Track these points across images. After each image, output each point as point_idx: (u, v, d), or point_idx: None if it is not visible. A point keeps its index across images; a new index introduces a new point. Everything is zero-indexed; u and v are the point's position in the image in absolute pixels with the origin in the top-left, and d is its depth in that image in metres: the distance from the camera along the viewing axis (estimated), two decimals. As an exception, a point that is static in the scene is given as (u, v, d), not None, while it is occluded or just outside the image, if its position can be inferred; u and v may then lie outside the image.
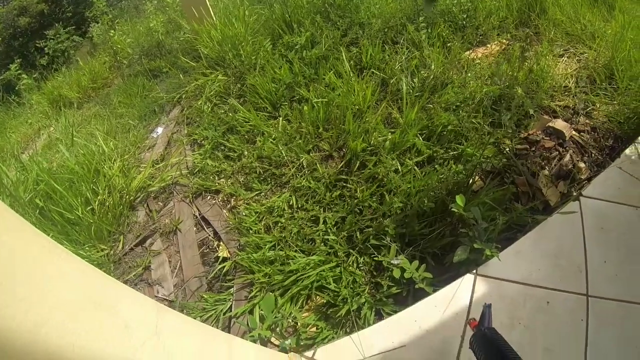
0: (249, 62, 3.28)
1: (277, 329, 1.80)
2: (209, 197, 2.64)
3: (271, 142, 2.53)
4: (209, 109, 3.18)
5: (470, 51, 3.03)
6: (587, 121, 2.42)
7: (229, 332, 1.96)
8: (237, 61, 3.31)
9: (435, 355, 1.60)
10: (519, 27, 3.41)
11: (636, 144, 2.23)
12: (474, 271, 1.77)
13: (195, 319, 1.46)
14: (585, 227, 1.82)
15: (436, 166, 2.11)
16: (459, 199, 1.71)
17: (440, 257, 1.90)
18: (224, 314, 2.02)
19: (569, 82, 2.68)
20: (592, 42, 3.15)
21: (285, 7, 3.63)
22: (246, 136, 2.78)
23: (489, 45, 3.10)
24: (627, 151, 2.17)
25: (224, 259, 2.23)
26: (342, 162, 2.32)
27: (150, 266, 2.40)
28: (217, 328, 1.91)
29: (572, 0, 3.78)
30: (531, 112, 2.25)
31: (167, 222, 2.61)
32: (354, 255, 1.96)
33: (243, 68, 3.26)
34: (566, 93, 2.61)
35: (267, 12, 3.91)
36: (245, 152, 2.62)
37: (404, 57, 2.86)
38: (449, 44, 3.02)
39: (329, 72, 2.88)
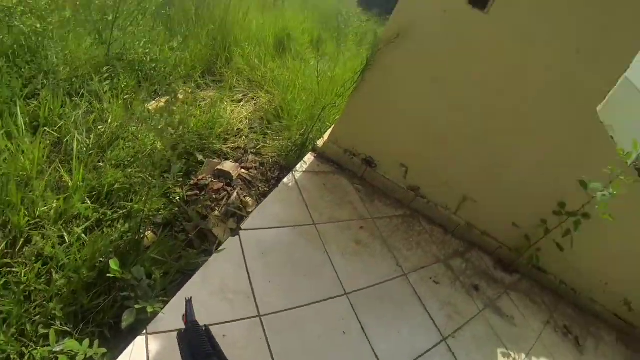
0: None
1: None
2: None
3: None
4: None
5: (154, 102, 3.15)
6: (256, 158, 2.82)
7: None
8: None
9: None
10: (205, 76, 3.76)
11: (293, 172, 2.71)
12: (144, 331, 1.76)
13: None
14: (246, 257, 2.09)
15: (104, 229, 2.06)
16: (113, 264, 1.74)
17: (117, 326, 1.84)
18: None
19: (243, 125, 3.07)
20: (270, 87, 3.71)
21: None
22: None
23: (174, 95, 3.28)
24: (285, 180, 2.62)
25: None
26: (5, 242, 2.03)
27: None
28: None
29: (257, 51, 4.42)
30: (200, 157, 2.46)
31: None
32: (27, 353, 1.74)
33: None
34: (239, 135, 2.99)
35: None
36: None
37: (80, 112, 2.76)
38: (133, 95, 3.07)
39: (0, 131, 2.54)
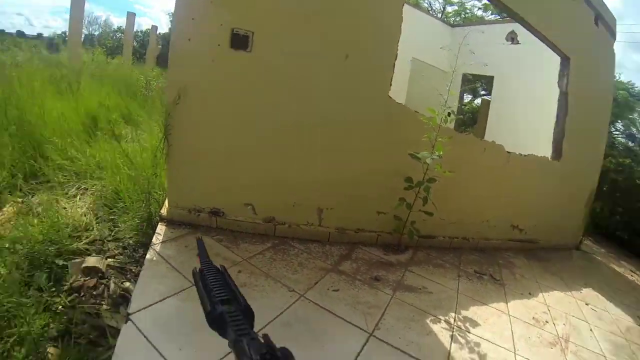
0: None
1: None
2: None
3: None
4: None
5: (-14, 222, 3.15)
6: (116, 244, 3.09)
7: None
8: None
9: None
10: (29, 180, 3.81)
11: (152, 247, 3.03)
12: None
13: None
14: (148, 337, 2.24)
15: (4, 360, 2.14)
16: None
17: None
18: None
19: (88, 218, 3.30)
20: (98, 173, 3.94)
21: None
22: None
23: (4, 210, 3.32)
24: (148, 256, 2.92)
25: None
26: None
27: None
28: None
29: (71, 141, 4.56)
30: (60, 262, 2.67)
31: None
32: None
33: None
34: (89, 229, 3.21)
35: None
36: None
37: None
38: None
39: None
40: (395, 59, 3.73)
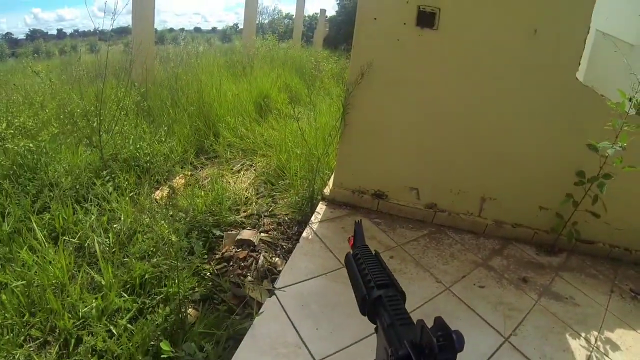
0: None
1: None
2: None
3: None
4: None
5: (159, 191, 3.50)
6: (271, 220, 3.13)
7: None
8: None
9: None
10: (199, 156, 4.17)
11: (310, 225, 3.03)
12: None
13: None
14: (288, 312, 2.32)
15: (147, 316, 2.33)
16: (164, 345, 1.97)
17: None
18: None
19: (249, 193, 3.42)
20: (265, 150, 4.11)
21: None
22: None
23: (175, 180, 3.65)
24: (304, 234, 2.93)
25: None
26: (57, 345, 2.29)
27: None
28: None
29: (242, 121, 4.87)
30: (217, 233, 2.78)
31: None
32: None
33: None
34: (248, 203, 3.33)
35: None
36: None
37: (93, 216, 3.09)
38: (137, 191, 3.43)
39: (23, 247, 2.84)
40: (588, 33, 3.07)
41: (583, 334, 2.74)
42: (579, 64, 3.11)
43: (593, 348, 2.65)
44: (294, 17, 19.30)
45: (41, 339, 2.39)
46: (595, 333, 2.78)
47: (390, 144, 3.39)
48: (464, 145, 3.34)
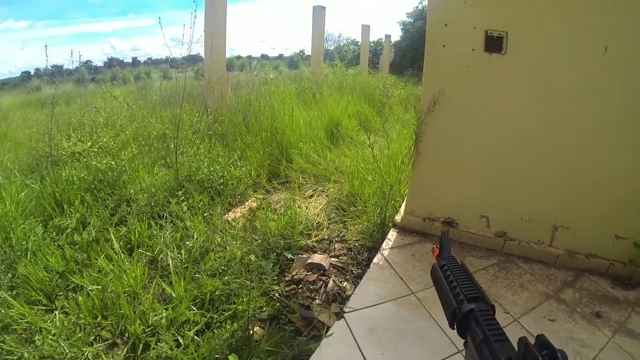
0: (19, 248, 3.35)
1: None
2: None
3: (51, 339, 2.56)
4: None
5: (231, 213, 3.77)
6: (342, 245, 3.28)
7: None
8: (7, 247, 3.33)
9: None
10: (272, 180, 4.43)
11: (381, 251, 3.15)
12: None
13: None
14: (355, 336, 2.39)
15: (215, 330, 2.52)
16: (232, 358, 2.13)
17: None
18: None
19: (321, 218, 3.60)
20: (336, 176, 4.30)
21: (55, 185, 3.96)
22: (24, 335, 2.74)
23: (246, 204, 3.91)
24: (375, 259, 3.05)
25: None
26: (126, 348, 2.53)
27: None
28: None
29: (314, 147, 5.13)
30: (289, 256, 2.98)
31: None
32: None
33: (14, 255, 3.28)
34: (320, 228, 3.50)
35: (38, 186, 4.15)
36: (25, 354, 2.58)
37: (168, 232, 3.37)
38: (210, 211, 3.72)
39: (101, 255, 3.16)
40: None
41: (659, 376, 2.60)
42: None
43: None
44: (359, 43, 19.87)
45: (110, 341, 2.62)
46: (672, 376, 2.63)
47: (461, 171, 3.45)
48: (536, 171, 3.30)
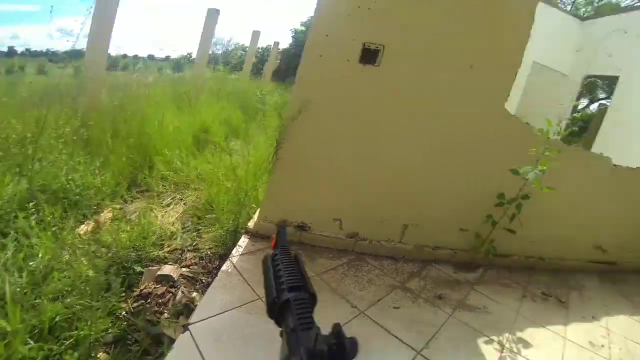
0: None
1: None
2: None
3: None
4: None
5: (84, 225, 3.50)
6: (194, 255, 3.19)
7: None
8: None
9: None
10: (131, 188, 4.19)
11: (230, 258, 3.12)
12: None
13: None
14: (200, 348, 2.26)
15: (54, 364, 2.27)
16: None
17: None
18: None
19: (175, 227, 3.48)
20: (197, 184, 4.19)
21: None
22: None
23: (102, 214, 3.66)
24: (223, 267, 3.00)
25: None
26: None
27: None
28: None
29: (179, 154, 4.94)
30: (138, 269, 2.84)
31: None
32: None
33: None
34: (173, 237, 3.38)
35: None
36: None
37: (9, 253, 3.00)
38: (60, 225, 3.39)
39: None
40: (519, 67, 3.44)
41: (495, 339, 2.92)
42: (508, 95, 3.36)
43: (504, 349, 2.84)
44: (247, 48, 19.61)
45: None
46: (508, 335, 2.99)
47: (317, 177, 3.50)
48: (390, 178, 3.51)
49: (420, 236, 3.74)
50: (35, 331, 2.41)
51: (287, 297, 0.64)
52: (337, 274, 3.30)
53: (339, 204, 3.61)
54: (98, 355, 2.31)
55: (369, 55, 3.23)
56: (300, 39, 24.07)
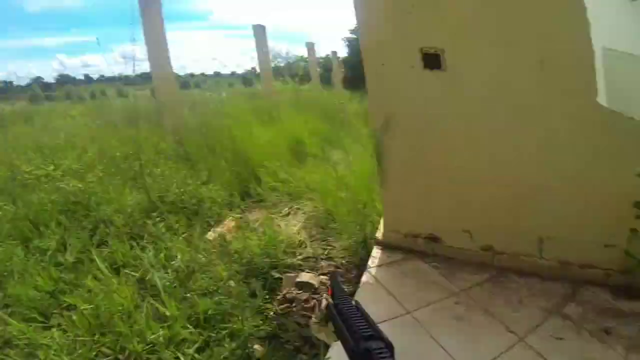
0: (3, 268, 3.28)
1: None
2: None
3: (53, 354, 2.51)
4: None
5: (211, 232, 3.69)
6: (328, 263, 3.28)
7: None
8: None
9: None
10: (245, 199, 4.37)
11: (368, 269, 3.16)
12: None
13: None
14: None
15: (213, 349, 2.48)
16: None
17: None
18: None
19: (301, 236, 3.59)
20: (310, 193, 4.30)
21: (27, 208, 3.86)
22: (26, 349, 2.66)
23: (225, 223, 3.83)
24: (364, 278, 3.06)
25: None
26: None
27: None
28: None
29: (280, 165, 5.11)
30: (276, 275, 2.96)
31: None
32: None
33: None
34: (302, 246, 3.49)
35: (11, 208, 3.97)
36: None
37: (151, 253, 3.28)
38: (188, 232, 3.63)
39: (88, 276, 3.09)
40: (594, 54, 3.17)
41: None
42: (596, 87, 3.10)
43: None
44: (308, 59, 20.08)
45: (111, 357, 2.57)
46: None
47: (434, 186, 3.45)
48: (511, 182, 3.35)
49: (561, 251, 3.48)
50: (192, 319, 2.71)
51: (366, 347, 0.65)
52: (483, 292, 3.17)
53: (463, 212, 3.48)
54: (255, 346, 2.54)
55: (432, 60, 3.15)
56: (356, 47, 24.36)
